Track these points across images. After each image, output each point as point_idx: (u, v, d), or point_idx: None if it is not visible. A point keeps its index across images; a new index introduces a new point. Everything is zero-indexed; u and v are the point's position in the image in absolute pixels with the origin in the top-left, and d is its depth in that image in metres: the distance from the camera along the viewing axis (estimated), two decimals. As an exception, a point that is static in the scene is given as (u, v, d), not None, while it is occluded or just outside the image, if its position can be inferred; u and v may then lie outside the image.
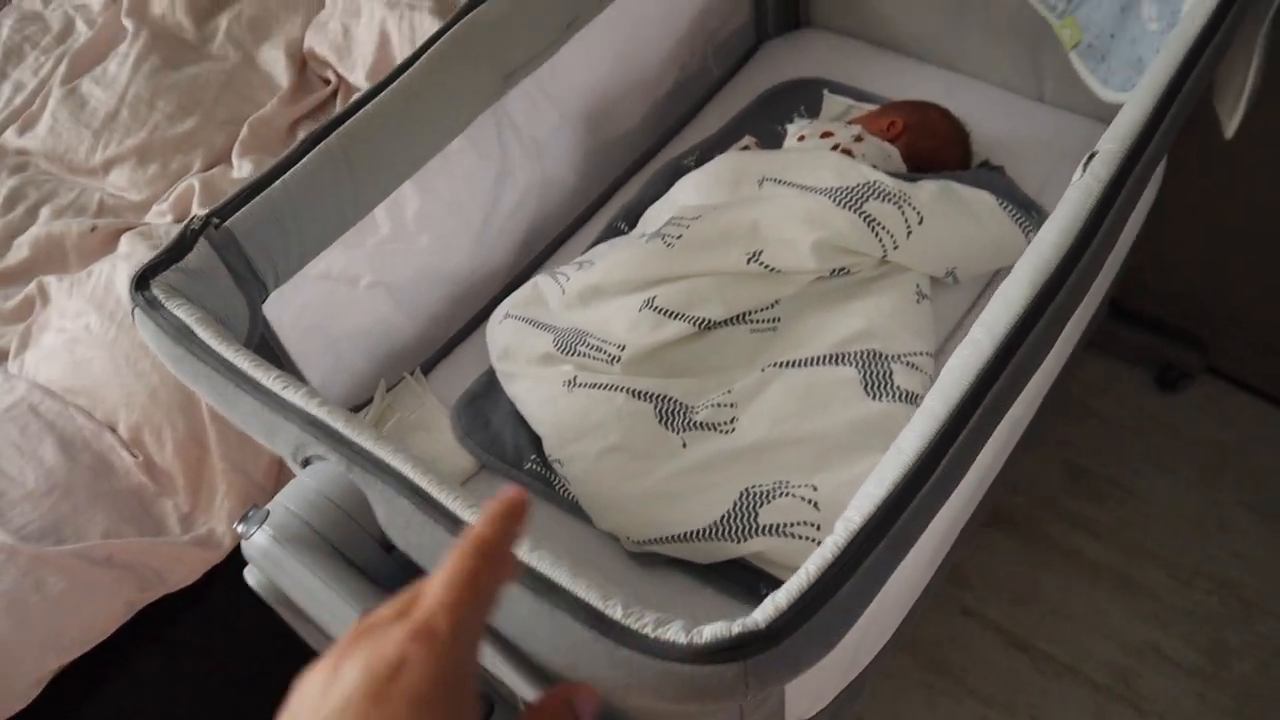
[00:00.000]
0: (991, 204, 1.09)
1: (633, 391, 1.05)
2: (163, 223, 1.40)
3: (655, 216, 1.23)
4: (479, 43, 1.08)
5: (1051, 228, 0.78)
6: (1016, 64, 1.35)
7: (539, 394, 1.10)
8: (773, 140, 1.35)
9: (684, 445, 1.02)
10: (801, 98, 1.41)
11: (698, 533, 0.94)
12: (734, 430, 1.01)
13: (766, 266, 1.05)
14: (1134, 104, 0.85)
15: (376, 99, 1.02)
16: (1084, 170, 0.83)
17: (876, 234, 1.04)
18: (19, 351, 1.34)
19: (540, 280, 1.19)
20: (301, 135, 1.44)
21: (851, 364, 1.02)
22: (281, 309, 1.07)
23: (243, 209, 0.96)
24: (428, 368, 1.25)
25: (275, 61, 1.53)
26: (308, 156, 0.99)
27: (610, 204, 1.37)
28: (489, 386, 1.16)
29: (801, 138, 1.24)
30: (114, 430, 1.22)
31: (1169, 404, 1.62)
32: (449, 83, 1.06)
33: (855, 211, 1.05)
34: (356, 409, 1.20)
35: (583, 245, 1.31)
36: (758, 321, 1.07)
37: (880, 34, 1.47)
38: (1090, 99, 1.26)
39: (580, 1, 1.18)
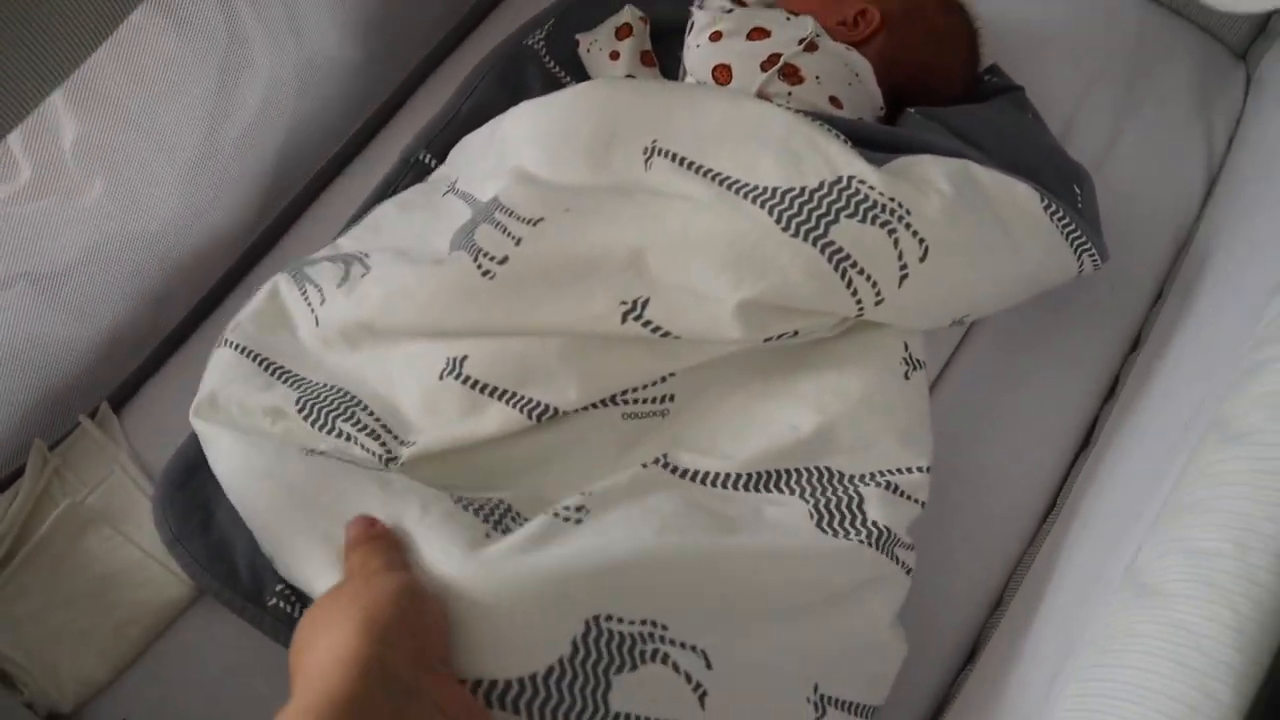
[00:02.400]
0: (1033, 207, 0.65)
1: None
2: None
3: (474, 160, 0.76)
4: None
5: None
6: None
7: (251, 459, 0.65)
8: (671, 2, 0.86)
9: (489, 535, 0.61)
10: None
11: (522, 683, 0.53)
12: (582, 521, 0.60)
13: (655, 329, 0.61)
14: None
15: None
16: None
17: (851, 284, 0.61)
18: None
19: (283, 285, 0.72)
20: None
21: (794, 490, 0.61)
22: None
23: None
24: (120, 401, 0.79)
25: None
26: None
27: (412, 106, 0.88)
28: (216, 447, 0.72)
29: (717, 35, 0.75)
30: None
31: None
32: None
33: (817, 244, 0.60)
34: (3, 487, 0.75)
35: (367, 183, 0.82)
36: (635, 401, 0.65)
37: None
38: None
39: None
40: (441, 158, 0.80)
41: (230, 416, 0.68)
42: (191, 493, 0.72)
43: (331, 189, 0.84)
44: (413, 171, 0.81)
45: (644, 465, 0.64)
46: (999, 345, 0.76)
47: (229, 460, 0.67)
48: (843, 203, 0.61)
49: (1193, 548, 0.41)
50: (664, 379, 0.65)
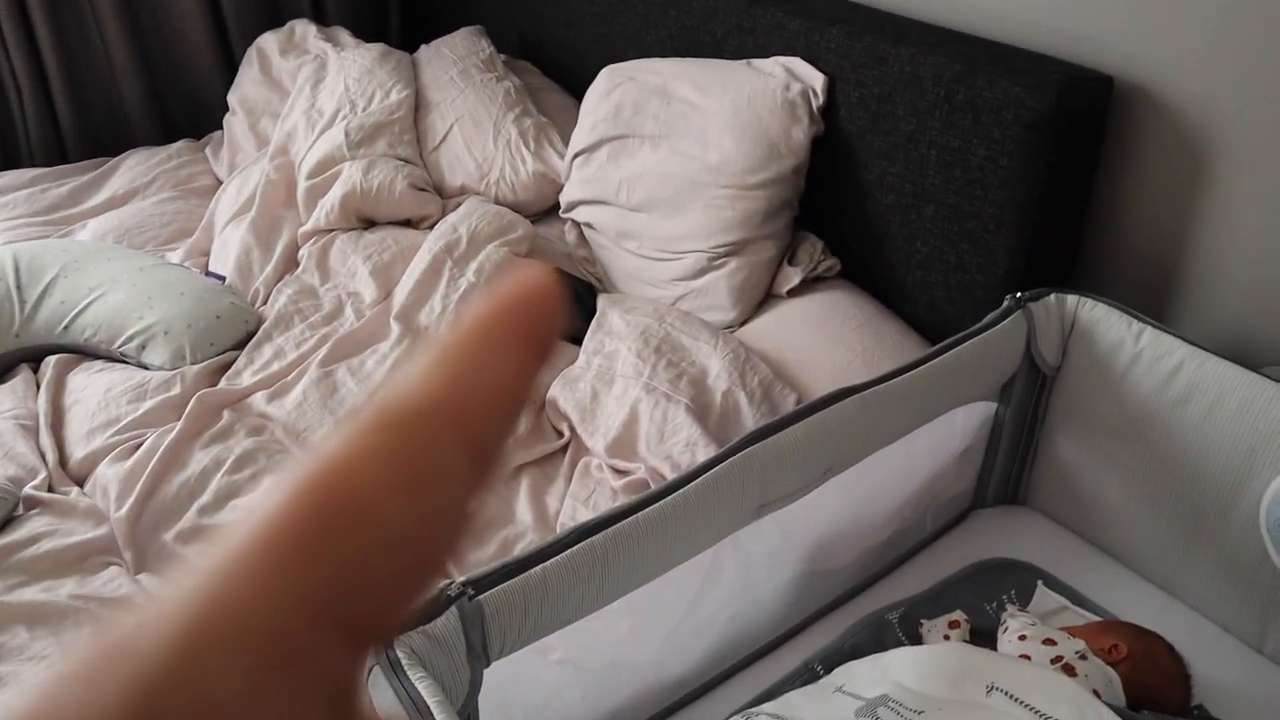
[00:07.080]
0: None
1: None
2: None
3: (859, 675, 1.21)
4: (748, 478, 1.13)
5: None
6: (1241, 609, 1.34)
7: None
8: (982, 618, 1.34)
9: None
10: (1013, 581, 1.41)
11: None
12: None
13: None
14: None
15: (646, 510, 1.06)
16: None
17: None
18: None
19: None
20: (525, 482, 1.52)
21: None
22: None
23: (499, 586, 0.98)
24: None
25: (518, 402, 1.62)
26: (573, 549, 1.02)
27: (805, 635, 1.36)
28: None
29: (1023, 637, 1.22)
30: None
31: None
32: (713, 510, 1.11)
33: None
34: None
35: (775, 673, 1.29)
36: None
37: (1098, 534, 1.48)
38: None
39: (839, 453, 1.23)
40: (828, 670, 1.27)
41: None
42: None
43: (752, 668, 1.31)
44: (805, 674, 1.27)
45: None
46: None
47: None
48: (1108, 739, 1.02)
49: None
50: None
